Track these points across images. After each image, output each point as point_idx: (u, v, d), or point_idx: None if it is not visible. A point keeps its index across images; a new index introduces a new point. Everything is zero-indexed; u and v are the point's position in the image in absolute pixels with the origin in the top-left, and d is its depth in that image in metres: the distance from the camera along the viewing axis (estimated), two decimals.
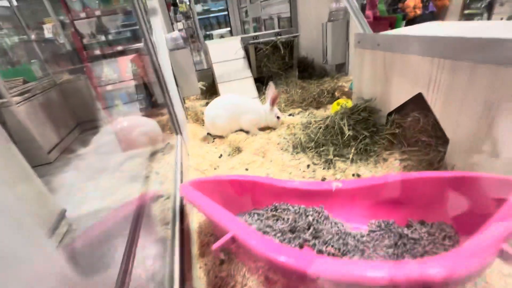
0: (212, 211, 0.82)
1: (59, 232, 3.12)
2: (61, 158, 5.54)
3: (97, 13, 4.87)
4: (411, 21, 3.79)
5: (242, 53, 2.76)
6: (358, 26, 1.95)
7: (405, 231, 0.98)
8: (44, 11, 5.21)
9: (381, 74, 1.51)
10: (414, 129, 1.39)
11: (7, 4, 4.48)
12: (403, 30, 1.51)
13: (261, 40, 2.65)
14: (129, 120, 2.20)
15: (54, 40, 7.28)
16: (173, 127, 1.67)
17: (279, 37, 2.63)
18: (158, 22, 2.32)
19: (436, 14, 3.89)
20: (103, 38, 5.09)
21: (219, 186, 1.11)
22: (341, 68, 2.87)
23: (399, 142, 1.46)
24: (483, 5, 4.13)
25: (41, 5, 4.81)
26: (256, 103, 2.05)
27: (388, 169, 1.38)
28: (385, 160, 1.45)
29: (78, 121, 6.66)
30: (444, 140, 1.24)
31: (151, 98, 5.38)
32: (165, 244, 0.83)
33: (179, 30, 8.92)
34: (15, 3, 4.56)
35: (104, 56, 5.05)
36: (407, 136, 1.44)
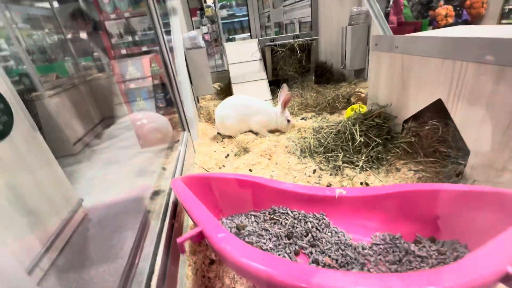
0: (189, 205, 0.78)
1: (75, 220, 3.23)
2: (85, 150, 5.82)
3: (126, 14, 5.11)
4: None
5: (258, 55, 2.75)
6: (378, 28, 1.87)
7: (412, 247, 0.89)
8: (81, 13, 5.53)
9: (398, 79, 1.42)
10: (432, 139, 1.29)
11: (48, 6, 4.83)
12: (424, 33, 1.41)
13: (278, 42, 2.63)
14: (142, 115, 2.26)
15: (87, 40, 7.72)
16: (180, 123, 1.68)
17: (296, 39, 2.59)
18: (177, 22, 2.38)
19: (469, 23, 3.65)
20: (130, 38, 5.33)
21: (216, 184, 1.09)
22: (360, 74, 2.77)
23: (415, 152, 1.36)
24: None
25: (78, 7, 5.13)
26: (267, 104, 2.01)
27: (401, 180, 1.28)
28: (398, 170, 1.35)
29: (103, 116, 6.97)
30: (465, 152, 1.13)
31: (168, 96, 5.55)
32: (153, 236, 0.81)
33: (205, 34, 9.21)
34: (56, 5, 4.91)
35: (130, 55, 5.29)
36: (424, 146, 1.33)
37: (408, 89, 1.37)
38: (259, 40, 2.78)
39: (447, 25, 3.56)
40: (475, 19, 3.63)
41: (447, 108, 1.15)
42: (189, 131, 1.71)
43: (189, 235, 0.61)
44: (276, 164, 1.58)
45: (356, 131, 1.51)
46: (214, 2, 7.92)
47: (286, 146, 1.76)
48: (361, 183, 1.31)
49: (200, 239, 0.62)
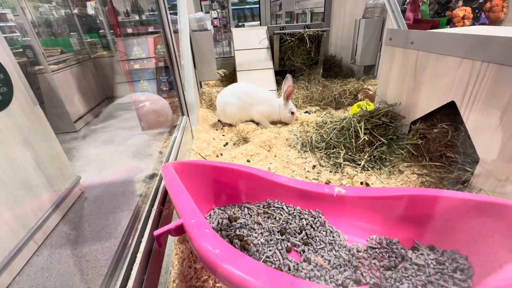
0: (174, 194, 0.73)
1: (72, 197, 3.22)
2: (85, 128, 5.80)
3: None
4: None
5: (266, 43, 2.66)
6: (393, 23, 1.78)
7: (410, 254, 0.85)
8: None
9: (411, 77, 1.35)
10: (440, 142, 1.23)
11: None
12: (444, 30, 1.33)
13: (288, 31, 2.53)
14: (142, 96, 2.20)
15: (95, 16, 7.59)
16: (179, 107, 1.63)
17: (307, 29, 2.49)
18: (184, 3, 2.28)
19: (488, 26, 3.51)
20: (136, 17, 5.20)
21: (210, 172, 1.04)
22: (370, 70, 2.67)
23: (421, 155, 1.30)
24: None
25: None
26: (271, 95, 1.95)
27: (403, 182, 1.23)
28: (401, 172, 1.30)
29: (106, 95, 6.91)
30: (473, 159, 1.08)
31: (171, 79, 5.46)
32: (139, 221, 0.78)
33: (214, 18, 9.01)
34: None
35: (135, 35, 5.17)
36: (430, 149, 1.27)
37: (420, 89, 1.30)
38: (268, 27, 2.68)
39: (465, 27, 3.43)
40: (493, 23, 3.49)
41: (459, 111, 1.08)
42: (188, 116, 1.66)
43: (167, 228, 0.56)
44: (275, 156, 1.53)
45: (360, 128, 1.45)
46: None
47: (287, 139, 1.71)
48: (361, 183, 1.26)
49: (180, 233, 0.58)
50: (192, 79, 1.98)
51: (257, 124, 1.98)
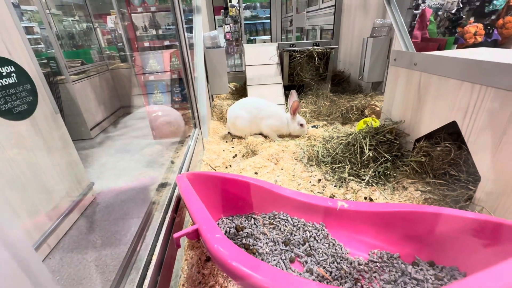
0: (190, 202, 0.81)
1: (84, 203, 3.35)
2: (100, 135, 6.03)
3: (153, 8, 5.26)
4: (470, 48, 3.47)
5: (276, 59, 2.76)
6: (400, 42, 1.85)
7: (409, 269, 0.87)
8: (110, 3, 5.77)
9: (414, 96, 1.40)
10: (443, 160, 1.26)
11: None
12: (447, 52, 1.38)
13: (297, 48, 2.63)
14: (157, 108, 2.32)
15: (114, 29, 8.01)
16: (192, 120, 1.72)
17: (316, 47, 2.58)
18: (199, 20, 2.43)
19: (499, 43, 3.52)
20: (153, 32, 5.47)
21: (220, 183, 1.11)
22: (378, 87, 2.73)
23: (424, 172, 1.33)
24: None
25: None
26: (280, 109, 2.02)
27: (406, 199, 1.26)
28: (405, 188, 1.33)
29: (121, 104, 7.18)
30: (476, 178, 1.10)
31: (184, 91, 5.66)
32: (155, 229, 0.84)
33: (226, 33, 9.33)
34: None
35: (152, 48, 5.43)
36: (434, 167, 1.30)
37: (423, 108, 1.34)
38: (278, 44, 2.79)
39: (476, 44, 3.45)
40: (506, 40, 3.50)
41: (461, 131, 1.12)
42: (200, 128, 1.75)
43: (185, 232, 0.63)
44: (282, 169, 1.59)
45: (365, 144, 1.50)
46: (238, 2, 8.00)
47: (294, 153, 1.76)
48: (365, 198, 1.29)
49: (195, 237, 0.64)
50: (204, 93, 2.09)
51: (265, 137, 2.05)
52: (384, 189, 1.34)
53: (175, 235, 0.63)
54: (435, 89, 1.25)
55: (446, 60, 1.18)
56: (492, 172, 0.99)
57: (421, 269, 0.87)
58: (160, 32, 5.40)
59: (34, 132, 1.58)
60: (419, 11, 3.30)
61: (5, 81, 1.34)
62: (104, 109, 6.44)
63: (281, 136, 2.06)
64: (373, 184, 1.37)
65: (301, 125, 1.95)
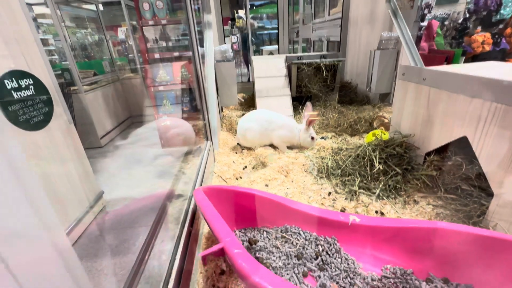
0: (212, 219, 0.84)
1: (94, 211, 3.40)
2: (110, 144, 6.13)
3: (163, 21, 5.42)
4: (476, 57, 3.48)
5: (284, 71, 2.82)
6: (408, 57, 1.88)
7: (424, 286, 0.88)
8: (121, 16, 5.98)
9: (424, 110, 1.41)
10: (454, 175, 1.26)
11: (94, 8, 5.28)
12: (456, 67, 1.41)
13: (305, 61, 2.69)
14: (168, 120, 2.38)
15: (125, 41, 8.24)
16: (204, 132, 1.77)
17: (323, 59, 2.63)
18: (210, 35, 2.51)
19: (508, 52, 3.52)
20: (164, 44, 5.63)
21: (234, 196, 1.14)
22: (385, 98, 2.75)
23: (436, 186, 1.34)
24: None
25: (120, 11, 5.55)
26: (290, 120, 2.06)
27: (418, 213, 1.26)
28: (416, 202, 1.33)
29: (131, 114, 7.32)
30: (489, 193, 1.11)
31: (193, 102, 5.76)
32: (173, 242, 0.87)
33: (233, 43, 9.49)
34: (101, 8, 5.34)
35: (162, 60, 5.57)
36: (445, 181, 1.31)
37: (433, 122, 1.36)
38: (286, 56, 2.85)
39: (484, 53, 3.45)
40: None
41: (472, 147, 1.13)
42: (211, 141, 1.79)
43: (212, 250, 0.66)
44: (292, 181, 1.61)
45: (375, 157, 1.51)
46: (246, 14, 8.16)
47: (303, 165, 1.78)
48: (376, 212, 1.30)
49: (220, 254, 0.67)
50: (215, 105, 2.14)
51: (275, 148, 2.08)
52: (395, 203, 1.35)
53: (202, 254, 0.66)
54: (444, 104, 1.27)
55: (455, 77, 1.20)
56: (505, 187, 1.00)
57: (435, 286, 0.87)
58: (170, 44, 5.55)
59: (50, 142, 1.64)
60: (425, 23, 3.34)
61: (24, 93, 1.41)
62: (114, 118, 6.58)
63: (290, 148, 2.08)
64: (384, 198, 1.38)
65: (312, 138, 1.98)
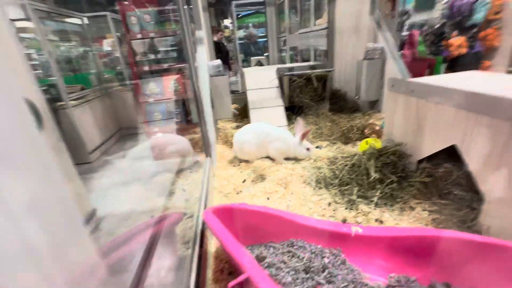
0: (230, 247, 0.87)
1: (86, 230, 3.29)
2: (100, 159, 5.99)
3: (151, 34, 5.42)
4: (454, 60, 3.67)
5: (276, 82, 2.89)
6: (395, 69, 1.97)
7: None
8: (107, 28, 5.94)
9: (414, 120, 1.49)
10: (446, 181, 1.34)
11: (79, 22, 5.23)
12: (441, 79, 1.50)
13: (296, 72, 2.76)
14: (164, 137, 2.38)
15: (111, 52, 8.14)
16: (204, 149, 1.79)
17: (314, 70, 2.72)
18: (203, 50, 2.56)
19: (482, 54, 3.73)
20: (152, 56, 5.62)
21: (241, 214, 1.16)
22: (374, 105, 2.85)
23: (429, 192, 1.40)
24: None
25: (106, 23, 5.52)
26: (286, 133, 2.11)
27: (415, 219, 1.32)
28: (412, 208, 1.39)
29: (120, 127, 7.19)
30: (480, 198, 1.18)
31: (186, 115, 5.74)
32: (183, 263, 0.88)
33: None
34: (86, 21, 5.29)
35: (151, 72, 5.56)
36: (438, 187, 1.38)
37: (423, 131, 1.44)
38: (277, 68, 2.93)
39: (460, 55, 3.64)
40: (489, 51, 3.71)
41: (461, 154, 1.21)
42: (210, 156, 1.81)
43: (239, 280, 0.69)
44: (292, 194, 1.64)
45: (371, 166, 1.57)
46: (232, 23, 8.27)
47: (301, 176, 1.83)
48: (376, 220, 1.35)
49: (246, 284, 0.71)
50: (211, 119, 2.17)
51: (272, 160, 2.12)
52: (393, 210, 1.40)
53: (231, 284, 0.69)
54: (432, 114, 1.35)
55: (439, 90, 1.29)
56: (495, 193, 1.07)
57: None
58: (159, 55, 5.54)
59: (39, 160, 1.61)
60: (406, 33, 3.51)
61: None
62: (103, 132, 6.44)
63: (286, 159, 2.12)
64: (382, 206, 1.43)
65: (308, 149, 2.03)
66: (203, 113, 1.68)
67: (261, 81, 2.92)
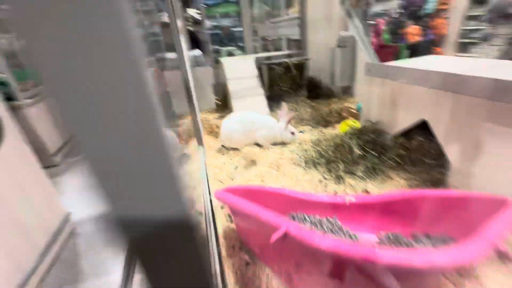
0: (256, 210, 0.95)
1: (64, 235, 3.16)
2: (66, 160, 5.59)
3: None
4: (412, 46, 4.03)
5: (255, 71, 2.94)
6: (366, 54, 2.15)
7: (413, 243, 1.09)
8: None
9: (389, 100, 1.67)
10: (419, 152, 1.54)
11: None
12: (410, 62, 1.69)
13: (275, 61, 2.85)
14: None
15: None
16: (197, 138, 1.81)
17: (292, 59, 2.82)
18: (182, 40, 2.51)
19: (434, 41, 4.15)
20: None
21: (247, 194, 1.23)
22: (348, 90, 3.06)
23: (405, 163, 1.60)
24: (476, 36, 4.40)
25: None
26: (271, 120, 2.20)
27: (395, 187, 1.51)
28: (391, 178, 1.58)
29: None
30: (447, 163, 1.38)
31: (166, 109, 5.57)
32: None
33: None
34: None
35: None
36: (412, 158, 1.58)
37: (397, 109, 1.62)
38: (256, 57, 2.98)
39: (416, 42, 4.02)
40: (439, 37, 4.14)
41: (431, 128, 1.40)
42: (203, 145, 1.84)
43: (280, 234, 0.77)
44: (285, 175, 1.75)
45: (354, 145, 1.74)
46: (200, 13, 8.00)
47: (291, 159, 1.94)
48: (362, 191, 1.52)
49: (283, 238, 0.79)
50: (198, 110, 2.18)
51: (260, 146, 2.20)
52: (376, 181, 1.58)
53: (273, 239, 0.76)
54: (406, 94, 1.53)
55: (409, 72, 1.46)
56: (459, 158, 1.27)
57: (422, 241, 1.09)
58: None
59: (3, 167, 1.54)
60: (372, 22, 3.77)
61: None
62: (64, 132, 5.92)
63: (273, 144, 2.22)
64: (366, 178, 1.60)
65: (292, 133, 2.14)
66: (193, 103, 1.69)
67: (241, 71, 2.96)
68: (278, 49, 4.99)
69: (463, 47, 4.25)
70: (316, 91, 3.31)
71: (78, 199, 4.31)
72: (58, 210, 2.97)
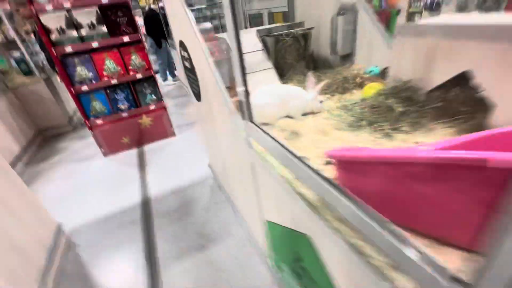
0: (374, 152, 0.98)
1: (61, 247, 2.87)
2: (29, 169, 4.92)
3: (67, 5, 4.43)
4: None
5: (260, 45, 2.85)
6: (368, 22, 2.24)
7: None
8: None
9: (423, 58, 1.79)
10: (456, 102, 1.70)
11: None
12: (437, 19, 1.81)
13: (279, 32, 2.78)
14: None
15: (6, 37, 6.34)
16: (241, 110, 1.73)
17: (298, 29, 2.79)
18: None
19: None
20: (74, 33, 4.63)
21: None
22: (347, 59, 3.16)
23: (446, 114, 1.76)
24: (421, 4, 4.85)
25: None
26: (300, 90, 2.19)
27: (442, 135, 1.66)
28: (436, 129, 1.73)
29: (39, 128, 5.96)
30: (486, 110, 1.56)
31: (134, 97, 5.08)
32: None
33: (142, 26, 8.42)
34: None
35: (77, 53, 4.63)
36: (452, 108, 1.73)
37: (433, 65, 1.75)
38: (257, 30, 2.87)
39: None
40: (392, 7, 4.45)
41: (471, 78, 1.55)
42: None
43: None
44: (335, 140, 1.80)
45: (393, 103, 1.84)
46: None
47: (331, 124, 1.99)
48: (415, 142, 1.64)
49: None
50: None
51: (291, 118, 2.20)
52: (422, 133, 1.72)
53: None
54: (445, 49, 1.66)
55: (450, 27, 1.58)
56: (502, 100, 1.45)
57: None
58: (84, 32, 4.59)
59: None
60: None
61: None
62: (20, 138, 5.31)
63: (303, 115, 2.24)
64: (412, 132, 1.74)
65: (321, 101, 2.18)
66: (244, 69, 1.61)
67: (244, 46, 2.82)
68: (258, 24, 4.85)
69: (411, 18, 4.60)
70: (314, 63, 3.35)
71: (60, 208, 3.84)
72: (48, 221, 2.71)
